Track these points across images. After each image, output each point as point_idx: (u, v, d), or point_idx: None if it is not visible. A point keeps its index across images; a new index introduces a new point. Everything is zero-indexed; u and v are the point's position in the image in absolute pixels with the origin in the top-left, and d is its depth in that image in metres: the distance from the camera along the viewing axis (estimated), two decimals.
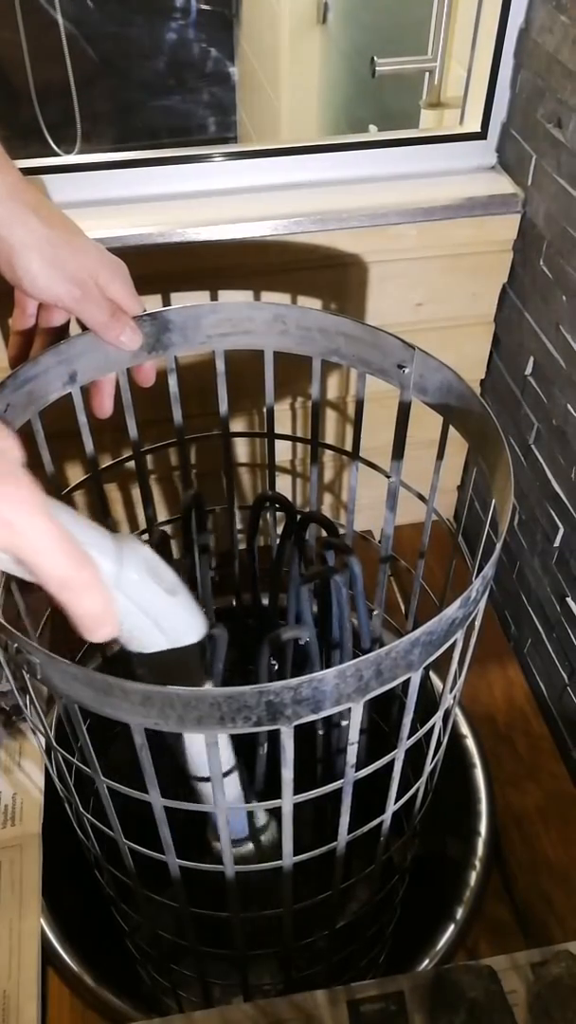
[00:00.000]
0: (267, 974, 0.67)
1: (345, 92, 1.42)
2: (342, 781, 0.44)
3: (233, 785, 0.53)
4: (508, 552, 0.91)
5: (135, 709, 0.37)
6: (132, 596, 0.40)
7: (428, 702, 0.49)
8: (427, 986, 0.55)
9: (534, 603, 0.86)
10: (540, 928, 0.69)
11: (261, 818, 0.60)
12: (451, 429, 0.53)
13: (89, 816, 0.50)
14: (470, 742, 0.79)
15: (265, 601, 0.70)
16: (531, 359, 0.81)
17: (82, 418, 0.57)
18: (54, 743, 0.48)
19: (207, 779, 0.49)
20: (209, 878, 0.47)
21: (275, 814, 0.58)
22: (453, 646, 0.42)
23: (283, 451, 0.91)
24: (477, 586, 0.40)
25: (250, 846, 0.58)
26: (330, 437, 0.92)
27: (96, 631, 0.36)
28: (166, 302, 0.74)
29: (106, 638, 0.36)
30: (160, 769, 0.42)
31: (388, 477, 0.61)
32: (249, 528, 0.64)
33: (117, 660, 0.74)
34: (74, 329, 0.55)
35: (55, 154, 1.97)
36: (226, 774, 0.51)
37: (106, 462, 0.64)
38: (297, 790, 0.42)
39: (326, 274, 0.79)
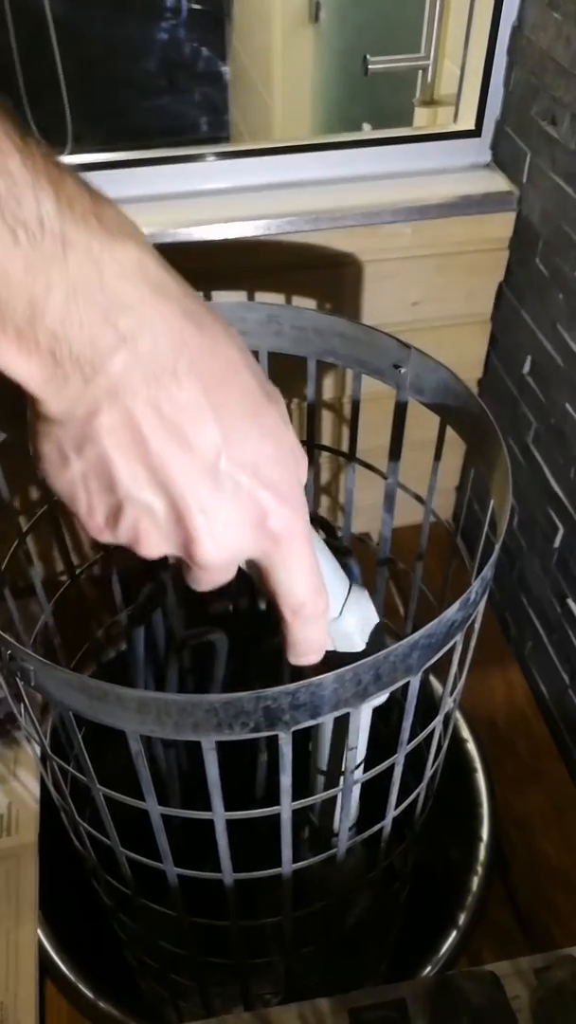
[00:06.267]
0: (268, 983, 0.66)
1: (338, 91, 1.41)
2: (342, 787, 0.43)
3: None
4: (507, 553, 0.90)
5: (130, 716, 0.36)
6: (337, 640, 0.43)
7: (428, 706, 0.48)
8: (429, 993, 0.55)
9: (534, 605, 0.86)
10: (543, 933, 0.69)
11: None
12: (449, 429, 0.53)
13: (85, 825, 0.49)
14: (471, 746, 0.78)
15: (263, 606, 0.69)
16: (528, 358, 0.81)
17: None
18: (49, 751, 0.47)
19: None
20: (209, 886, 0.47)
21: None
22: (452, 649, 0.41)
23: None
24: (476, 588, 0.39)
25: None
26: (326, 438, 0.92)
27: (305, 657, 0.38)
28: None
29: (309, 663, 0.38)
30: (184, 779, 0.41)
31: (385, 479, 0.60)
32: None
33: (112, 667, 0.73)
34: None
35: None
36: None
37: None
38: (297, 796, 0.41)
39: (320, 274, 0.79)
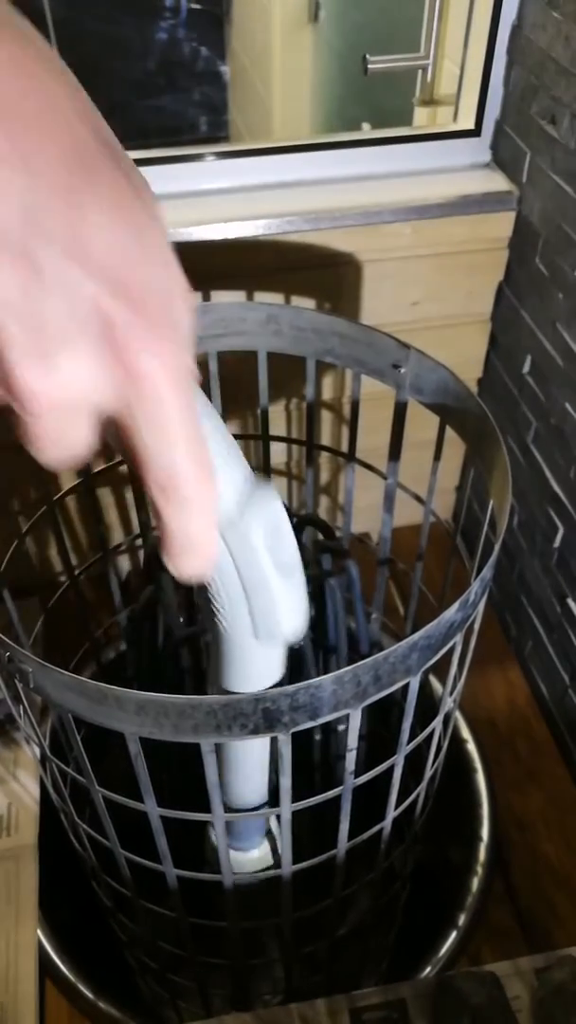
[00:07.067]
0: (268, 983, 0.66)
1: (337, 90, 1.41)
2: (341, 788, 0.43)
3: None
4: (507, 553, 0.90)
5: (129, 718, 0.36)
6: (237, 554, 0.32)
7: (428, 706, 0.48)
8: (429, 993, 0.55)
9: (534, 605, 0.86)
10: (543, 933, 0.68)
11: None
12: (449, 429, 0.53)
13: (85, 826, 0.49)
14: (471, 746, 0.78)
15: None
16: (528, 358, 0.81)
17: None
18: (49, 753, 0.47)
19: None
20: (208, 887, 0.47)
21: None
22: (452, 649, 0.41)
23: (278, 453, 0.90)
24: (476, 588, 0.39)
25: (266, 846, 0.57)
26: (326, 439, 0.92)
27: (184, 560, 0.27)
28: None
29: (192, 574, 0.28)
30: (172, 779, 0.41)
31: (385, 479, 0.60)
32: None
33: (111, 667, 0.73)
34: None
35: None
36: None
37: (99, 466, 0.63)
38: (296, 797, 0.41)
39: (320, 274, 0.79)
